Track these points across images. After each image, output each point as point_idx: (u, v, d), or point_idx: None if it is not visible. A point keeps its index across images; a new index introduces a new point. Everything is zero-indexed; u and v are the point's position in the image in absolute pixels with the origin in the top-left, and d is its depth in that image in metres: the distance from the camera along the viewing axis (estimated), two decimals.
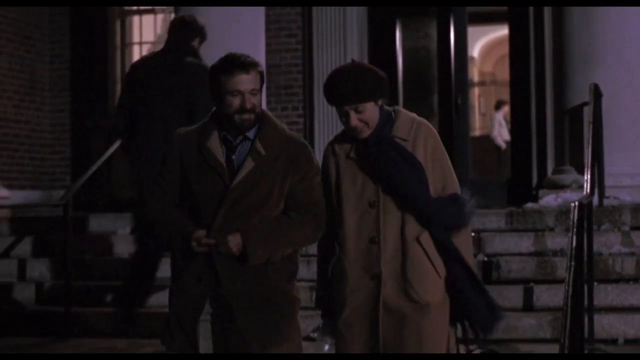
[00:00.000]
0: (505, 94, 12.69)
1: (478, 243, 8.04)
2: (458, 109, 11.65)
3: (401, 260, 4.04)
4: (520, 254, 7.92)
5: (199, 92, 6.61)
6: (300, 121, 11.55)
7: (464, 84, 12.22)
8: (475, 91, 18.90)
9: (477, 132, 17.92)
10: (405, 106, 11.53)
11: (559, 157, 9.63)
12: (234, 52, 4.20)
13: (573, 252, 5.42)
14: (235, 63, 4.09)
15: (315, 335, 4.27)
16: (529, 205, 8.86)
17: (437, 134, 4.16)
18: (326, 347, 4.24)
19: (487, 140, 16.27)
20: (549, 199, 8.74)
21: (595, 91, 8.27)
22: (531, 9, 10.49)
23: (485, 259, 7.90)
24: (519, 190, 10.49)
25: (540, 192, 9.23)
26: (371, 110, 4.06)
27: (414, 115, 4.18)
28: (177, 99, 6.87)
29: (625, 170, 8.84)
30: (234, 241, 4.01)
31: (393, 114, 4.16)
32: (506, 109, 15.81)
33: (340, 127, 4.28)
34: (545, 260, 7.69)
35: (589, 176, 6.95)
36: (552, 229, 8.13)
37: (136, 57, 13.06)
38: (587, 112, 8.22)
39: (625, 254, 7.70)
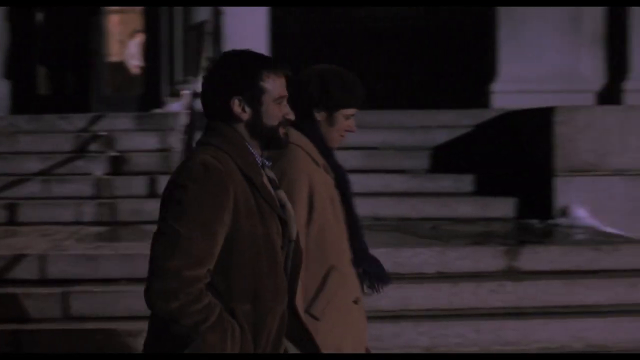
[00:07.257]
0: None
1: (110, 142, 8.89)
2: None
3: None
4: (148, 151, 8.79)
5: None
6: None
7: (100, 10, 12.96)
8: (115, 18, 19.23)
9: (115, 58, 18.40)
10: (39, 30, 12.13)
11: (187, 70, 10.48)
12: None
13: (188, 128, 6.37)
14: (279, 60, 3.05)
15: None
16: (156, 110, 9.85)
17: None
18: None
19: (123, 64, 17.06)
20: (173, 105, 9.71)
21: (216, 9, 9.29)
22: None
23: (117, 154, 8.77)
24: (150, 102, 11.42)
25: (167, 99, 10.21)
26: None
27: None
28: None
29: None
30: None
31: None
32: (140, 37, 16.67)
33: None
34: (168, 155, 8.63)
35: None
36: (173, 129, 8.99)
37: None
38: (209, 26, 9.19)
39: None
